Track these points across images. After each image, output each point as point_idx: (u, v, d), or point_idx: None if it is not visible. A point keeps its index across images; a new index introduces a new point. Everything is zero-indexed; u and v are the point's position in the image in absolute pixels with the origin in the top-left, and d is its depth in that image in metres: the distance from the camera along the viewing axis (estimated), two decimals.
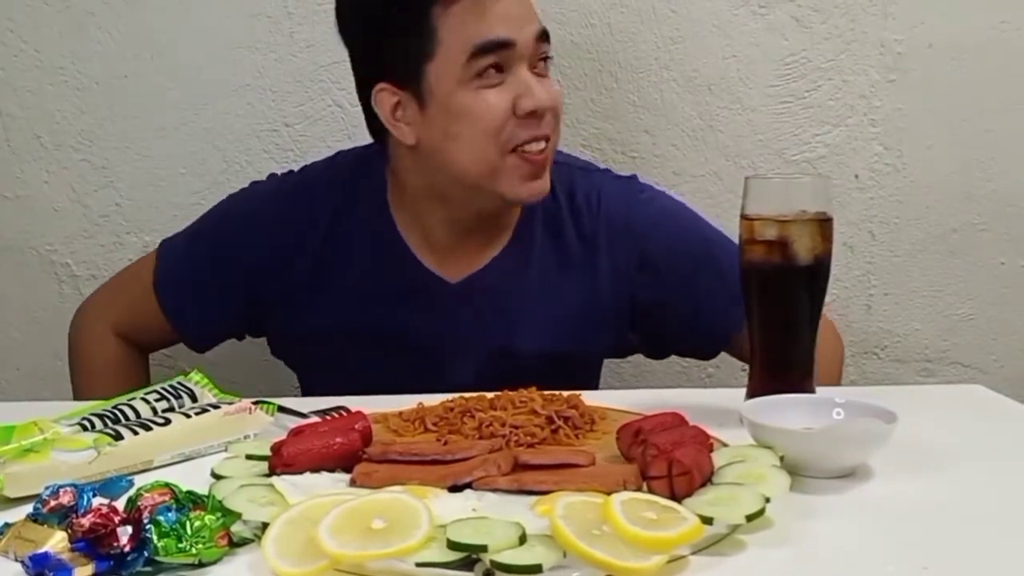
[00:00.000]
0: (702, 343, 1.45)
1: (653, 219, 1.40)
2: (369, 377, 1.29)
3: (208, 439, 1.01)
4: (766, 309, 1.11)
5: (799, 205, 1.07)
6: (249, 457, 0.94)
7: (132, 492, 0.81)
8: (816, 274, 1.09)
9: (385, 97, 1.29)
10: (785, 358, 1.10)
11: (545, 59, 1.30)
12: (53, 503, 0.79)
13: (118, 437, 0.96)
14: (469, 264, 1.37)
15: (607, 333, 1.41)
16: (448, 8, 1.23)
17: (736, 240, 1.12)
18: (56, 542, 0.74)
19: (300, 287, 1.38)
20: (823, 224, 1.08)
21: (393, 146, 1.33)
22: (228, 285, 1.40)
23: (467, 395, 1.12)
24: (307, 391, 1.50)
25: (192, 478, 0.86)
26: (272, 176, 1.47)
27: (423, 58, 1.25)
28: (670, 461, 0.82)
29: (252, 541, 0.78)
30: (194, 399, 1.09)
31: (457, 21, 1.23)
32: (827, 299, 1.11)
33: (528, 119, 1.26)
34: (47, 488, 0.80)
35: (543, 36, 1.28)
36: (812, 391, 1.10)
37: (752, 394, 1.09)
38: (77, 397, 1.44)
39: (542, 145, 1.28)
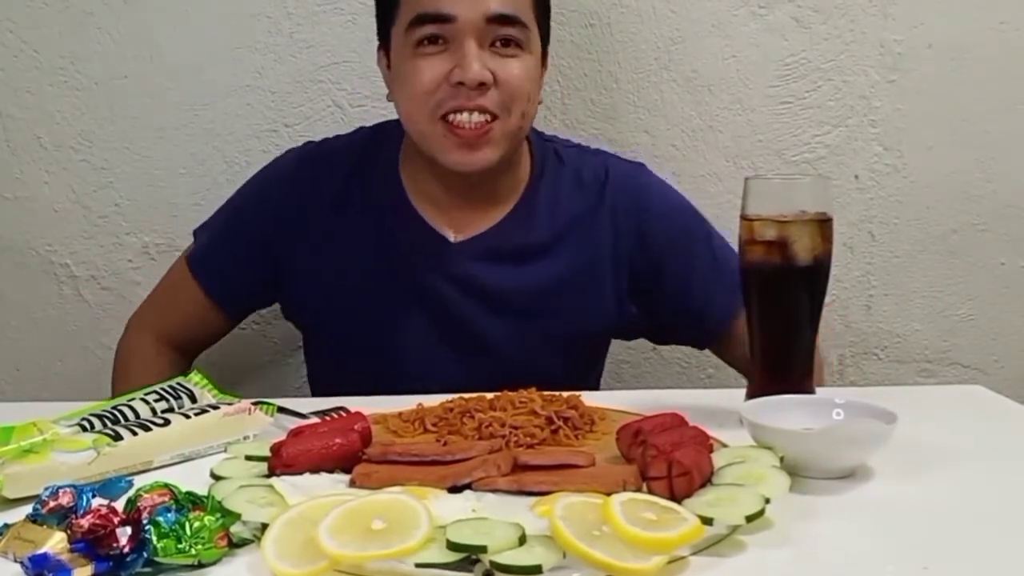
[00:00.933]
0: (699, 324, 1.47)
1: (656, 193, 1.47)
2: (375, 337, 1.38)
3: (208, 440, 1.01)
4: (766, 309, 1.11)
5: (799, 205, 1.08)
6: (249, 458, 0.94)
7: (131, 493, 0.81)
8: (816, 275, 1.09)
9: (381, 57, 1.40)
10: (785, 358, 1.10)
11: (508, 41, 1.30)
12: (52, 504, 0.79)
13: (117, 438, 0.96)
14: (473, 227, 1.40)
15: (605, 300, 1.43)
16: None
17: (732, 241, 1.12)
18: (55, 543, 0.74)
19: (314, 246, 1.42)
20: (823, 224, 1.08)
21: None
22: (247, 245, 1.45)
23: (467, 395, 1.12)
24: (314, 354, 1.52)
25: (191, 479, 0.86)
26: (292, 150, 1.52)
27: (389, 21, 1.35)
28: (670, 462, 0.82)
29: (252, 542, 0.78)
30: (193, 400, 1.09)
31: None
32: (827, 299, 1.11)
33: (457, 89, 1.28)
34: (46, 489, 0.80)
35: (500, 19, 1.29)
36: (812, 391, 1.10)
37: (752, 394, 1.09)
38: None
39: (473, 117, 1.29)
